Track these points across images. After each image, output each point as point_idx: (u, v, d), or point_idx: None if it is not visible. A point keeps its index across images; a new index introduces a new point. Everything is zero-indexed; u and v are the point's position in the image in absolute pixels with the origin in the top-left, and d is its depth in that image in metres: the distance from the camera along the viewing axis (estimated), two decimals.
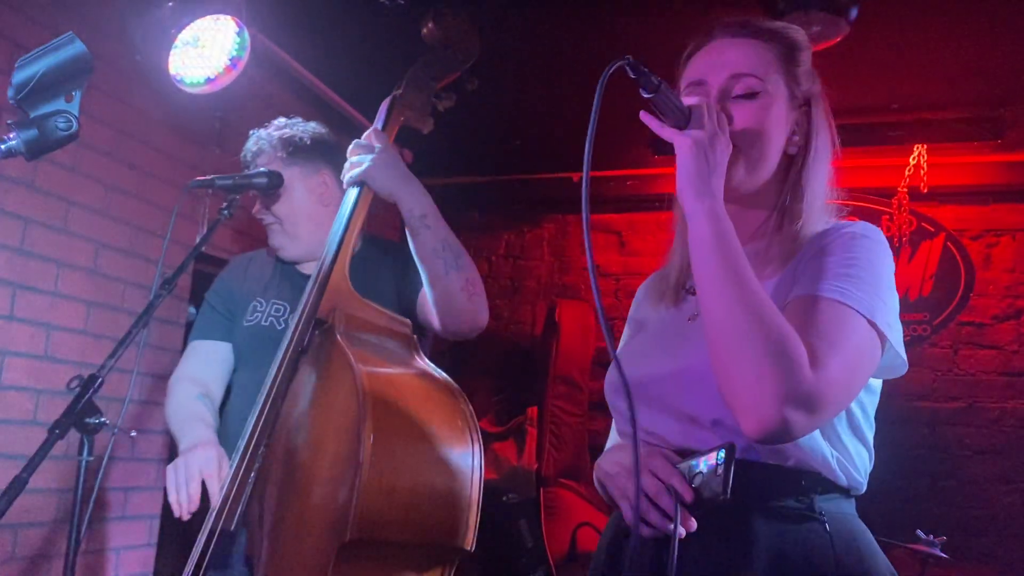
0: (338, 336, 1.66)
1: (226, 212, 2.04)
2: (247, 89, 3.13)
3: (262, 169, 2.14)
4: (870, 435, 1.25)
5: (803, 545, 1.14)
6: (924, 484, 4.04)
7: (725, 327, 1.08)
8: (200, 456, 1.86)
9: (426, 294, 1.97)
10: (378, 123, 2.00)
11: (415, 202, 1.90)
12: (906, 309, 3.84)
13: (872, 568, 1.17)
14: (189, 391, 2.11)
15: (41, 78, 0.83)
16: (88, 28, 2.85)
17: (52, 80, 0.83)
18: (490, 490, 4.24)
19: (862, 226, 1.23)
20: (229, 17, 2.74)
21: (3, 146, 0.84)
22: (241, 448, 1.73)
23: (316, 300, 1.75)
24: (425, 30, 2.04)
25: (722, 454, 1.07)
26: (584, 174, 1.08)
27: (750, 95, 1.25)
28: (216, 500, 1.77)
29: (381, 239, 2.28)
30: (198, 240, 1.98)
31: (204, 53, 2.74)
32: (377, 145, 1.92)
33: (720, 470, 1.07)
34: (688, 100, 1.19)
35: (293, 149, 2.19)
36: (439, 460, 1.58)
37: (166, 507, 3.11)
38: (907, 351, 1.20)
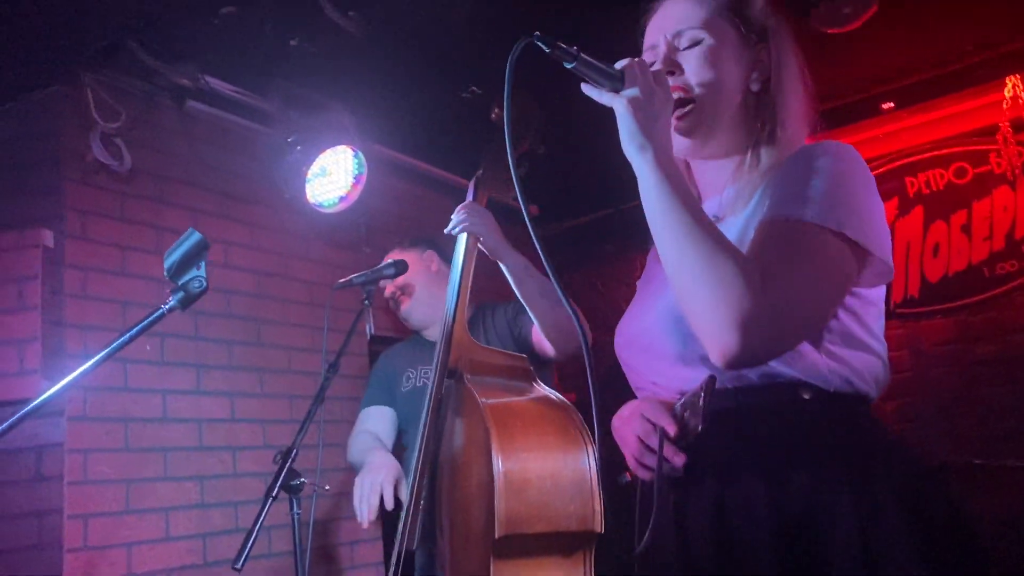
0: (466, 380, 2.03)
1: (367, 301, 2.59)
2: (378, 192, 3.71)
3: (389, 261, 2.68)
4: (875, 344, 1.25)
5: (804, 448, 1.18)
6: None
7: (677, 267, 1.12)
8: (379, 474, 2.34)
9: (538, 329, 2.37)
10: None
11: (517, 256, 2.29)
12: None
13: (871, 455, 1.18)
14: (366, 437, 2.71)
15: (180, 260, 1.36)
16: (245, 182, 3.54)
17: (186, 259, 1.36)
18: None
19: (825, 143, 1.24)
20: (345, 146, 3.35)
21: (167, 306, 1.36)
22: (409, 484, 2.15)
23: (445, 355, 2.11)
24: (493, 115, 2.36)
25: (701, 388, 1.11)
26: (508, 148, 1.17)
27: (694, 44, 1.32)
28: (390, 506, 2.24)
29: (489, 303, 2.75)
30: (351, 327, 2.49)
31: (332, 179, 3.37)
32: (481, 210, 2.28)
33: (700, 402, 1.10)
34: (620, 63, 1.19)
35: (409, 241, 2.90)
36: (558, 463, 1.89)
37: (387, 553, 3.67)
38: None
